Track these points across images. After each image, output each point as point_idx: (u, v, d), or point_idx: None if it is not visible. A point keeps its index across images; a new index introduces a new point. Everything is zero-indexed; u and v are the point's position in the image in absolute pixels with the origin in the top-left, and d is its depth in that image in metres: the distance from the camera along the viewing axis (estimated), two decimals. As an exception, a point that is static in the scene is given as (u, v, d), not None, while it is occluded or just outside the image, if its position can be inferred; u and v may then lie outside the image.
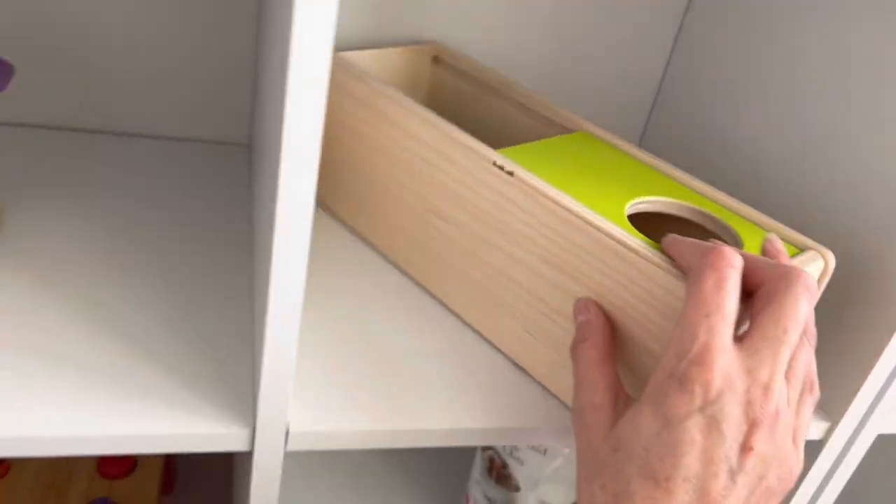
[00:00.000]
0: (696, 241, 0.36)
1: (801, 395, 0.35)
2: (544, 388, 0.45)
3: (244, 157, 0.63)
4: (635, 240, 0.38)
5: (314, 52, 0.28)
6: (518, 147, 0.48)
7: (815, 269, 0.41)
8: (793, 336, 0.33)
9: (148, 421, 0.37)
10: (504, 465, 0.69)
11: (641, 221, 0.54)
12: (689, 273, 0.35)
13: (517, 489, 0.68)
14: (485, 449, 0.71)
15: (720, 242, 0.36)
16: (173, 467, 0.72)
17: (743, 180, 0.59)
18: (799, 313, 0.33)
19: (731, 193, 0.60)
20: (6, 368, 0.38)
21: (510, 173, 0.43)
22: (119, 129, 0.62)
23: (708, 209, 0.45)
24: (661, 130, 0.71)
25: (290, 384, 0.37)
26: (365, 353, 0.45)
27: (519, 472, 0.67)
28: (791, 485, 0.34)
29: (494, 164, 0.43)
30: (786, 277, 0.34)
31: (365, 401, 0.42)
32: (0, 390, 0.37)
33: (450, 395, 0.43)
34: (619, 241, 0.38)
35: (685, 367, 0.32)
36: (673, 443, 0.31)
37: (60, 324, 0.42)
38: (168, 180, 0.57)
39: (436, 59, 0.63)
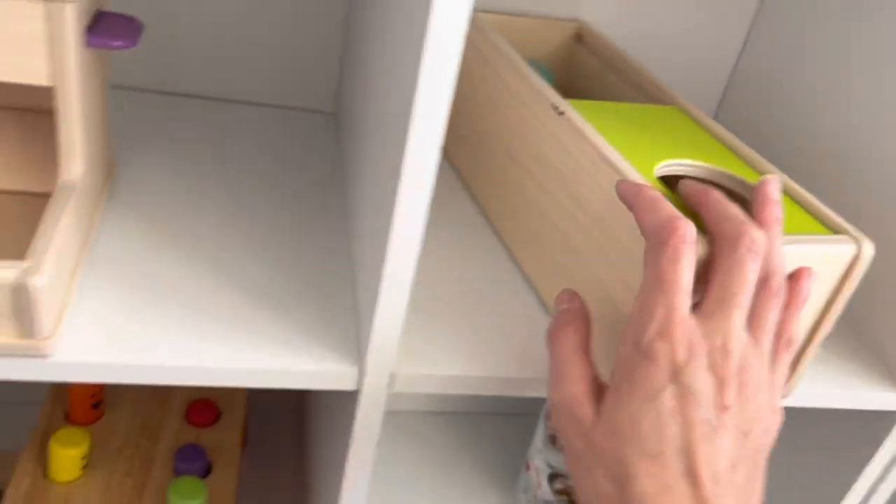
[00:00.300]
0: (663, 207, 0.36)
1: (777, 349, 0.36)
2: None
3: (328, 123, 0.66)
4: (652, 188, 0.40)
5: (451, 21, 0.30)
6: (592, 101, 0.50)
7: (843, 252, 0.40)
8: (742, 298, 0.34)
9: (266, 358, 0.40)
10: (568, 433, 0.71)
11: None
12: (646, 240, 0.36)
13: (580, 456, 0.70)
14: (548, 416, 0.73)
15: (680, 215, 0.35)
16: (245, 425, 0.75)
17: (811, 169, 0.60)
18: (744, 274, 0.34)
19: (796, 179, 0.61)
20: (146, 310, 0.41)
21: (561, 113, 0.45)
22: (212, 94, 0.65)
23: (745, 176, 0.45)
24: (734, 113, 0.72)
25: (400, 328, 0.39)
26: (466, 300, 0.47)
27: (583, 440, 0.69)
28: (773, 436, 0.35)
29: (552, 105, 0.46)
30: (730, 240, 0.35)
31: (465, 347, 0.44)
32: (140, 328, 0.40)
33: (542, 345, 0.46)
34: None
35: (649, 341, 0.33)
36: (656, 416, 0.32)
37: (180, 270, 0.45)
38: (258, 143, 0.60)
39: (578, 37, 0.65)
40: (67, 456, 0.56)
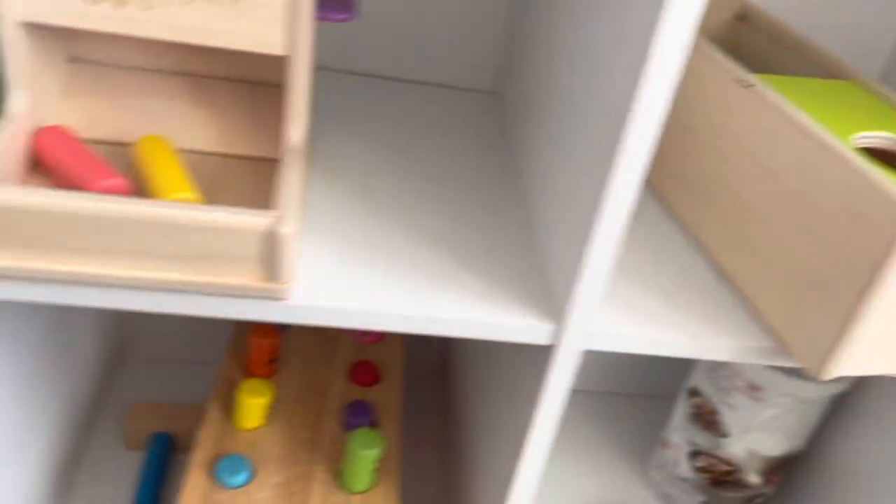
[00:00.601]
0: None
1: None
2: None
3: (488, 101, 0.68)
4: (855, 157, 0.40)
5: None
6: (771, 75, 0.50)
7: None
8: None
9: (469, 310, 0.43)
10: (713, 411, 0.71)
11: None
12: None
13: (725, 435, 0.71)
14: (692, 394, 0.74)
15: None
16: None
17: None
18: None
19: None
20: (360, 263, 0.45)
21: (749, 86, 0.46)
22: (383, 74, 0.68)
23: None
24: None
25: (603, 287, 0.41)
26: (646, 268, 0.49)
27: (730, 418, 0.70)
28: None
29: (738, 79, 0.47)
30: None
31: (656, 311, 0.46)
32: (358, 278, 0.44)
33: (740, 314, 0.47)
34: (838, 155, 0.40)
35: None
36: None
37: (382, 228, 0.48)
38: (426, 118, 0.63)
39: (740, 16, 0.66)
40: (254, 405, 0.60)
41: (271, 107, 0.50)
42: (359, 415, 0.63)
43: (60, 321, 0.64)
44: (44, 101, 0.46)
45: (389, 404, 0.66)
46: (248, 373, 0.66)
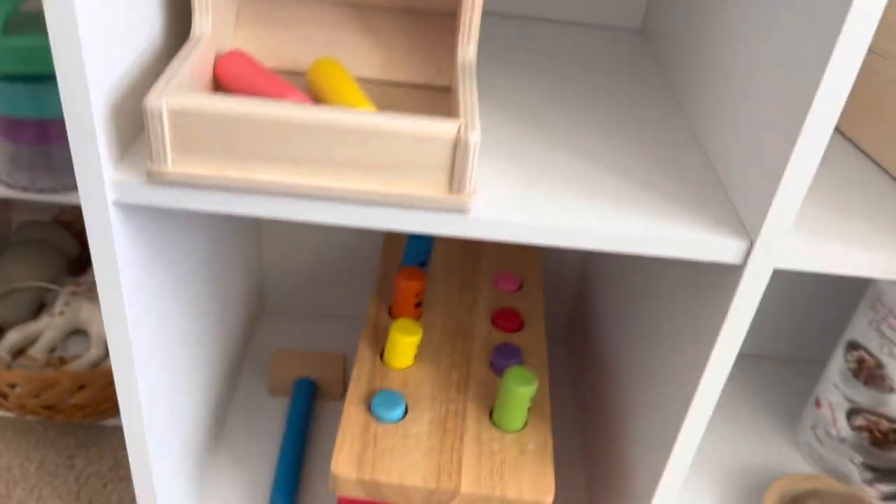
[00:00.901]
0: None
1: None
2: None
3: (636, 39, 0.66)
4: None
5: None
6: None
7: None
8: None
9: (656, 226, 0.41)
10: (879, 365, 0.67)
11: None
12: None
13: (892, 390, 0.66)
14: (851, 348, 0.69)
15: None
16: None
17: None
18: None
19: None
20: (536, 182, 0.44)
21: None
22: (532, 14, 0.67)
23: None
24: None
25: (795, 208, 0.39)
26: (840, 186, 0.46)
27: (898, 372, 0.65)
28: None
29: None
30: None
31: (844, 231, 0.43)
32: (535, 196, 0.43)
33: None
34: None
35: None
36: None
37: (553, 152, 0.47)
38: (579, 56, 0.61)
39: None
40: (406, 343, 0.61)
41: (434, 35, 0.50)
42: (507, 356, 0.63)
43: (216, 268, 0.66)
44: (222, 30, 0.47)
45: (536, 349, 0.65)
46: (394, 316, 0.67)
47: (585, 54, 0.62)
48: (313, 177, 0.39)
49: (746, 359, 0.89)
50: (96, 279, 0.43)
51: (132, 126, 0.42)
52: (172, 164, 0.38)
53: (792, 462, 0.77)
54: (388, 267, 0.74)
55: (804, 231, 0.43)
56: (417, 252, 0.72)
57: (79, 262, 0.81)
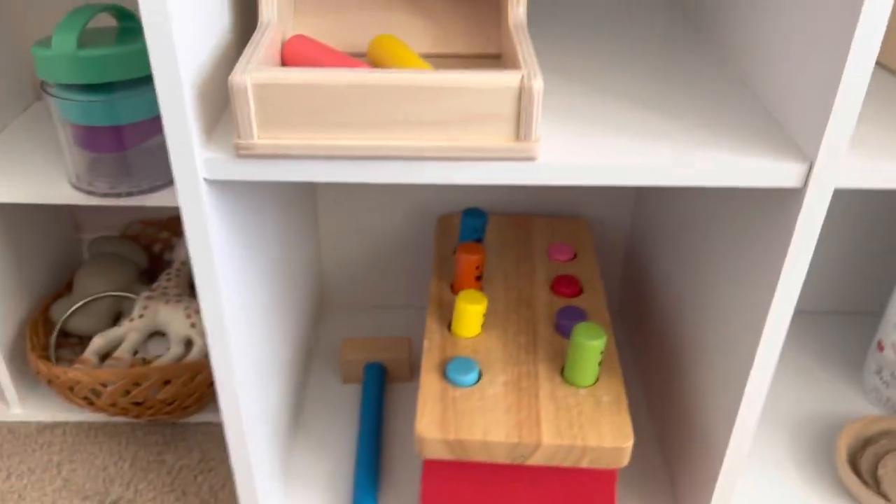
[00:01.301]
0: None
1: None
2: None
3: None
4: None
5: None
6: None
7: None
8: None
9: (713, 157, 0.43)
10: (940, 298, 0.68)
11: None
12: None
13: (956, 322, 0.67)
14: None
15: None
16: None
17: None
18: None
19: None
20: (593, 127, 0.46)
21: None
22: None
23: None
24: None
25: (852, 125, 0.41)
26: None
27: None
28: None
29: None
30: None
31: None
32: (595, 140, 0.45)
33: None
34: None
35: None
36: None
37: (605, 102, 0.49)
38: (622, 10, 0.64)
39: None
40: (472, 312, 0.63)
41: (479, 8, 0.52)
42: (572, 318, 0.65)
43: (286, 256, 0.69)
44: (285, 18, 0.50)
45: (598, 310, 0.67)
46: (456, 291, 0.69)
47: (626, 7, 0.64)
48: (390, 138, 0.42)
49: (805, 315, 0.89)
50: (191, 259, 0.46)
51: (214, 109, 0.45)
52: (259, 137, 0.41)
53: (859, 407, 0.77)
54: (444, 248, 0.76)
55: (860, 151, 0.44)
56: (472, 230, 0.74)
57: (148, 274, 0.84)
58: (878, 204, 0.82)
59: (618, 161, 0.43)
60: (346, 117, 0.41)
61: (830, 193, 0.43)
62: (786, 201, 0.45)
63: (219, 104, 0.46)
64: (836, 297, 0.89)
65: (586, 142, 0.45)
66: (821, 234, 0.85)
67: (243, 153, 0.42)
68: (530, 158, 0.42)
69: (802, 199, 0.43)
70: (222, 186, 0.46)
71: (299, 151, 0.42)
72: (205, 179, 0.43)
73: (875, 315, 0.90)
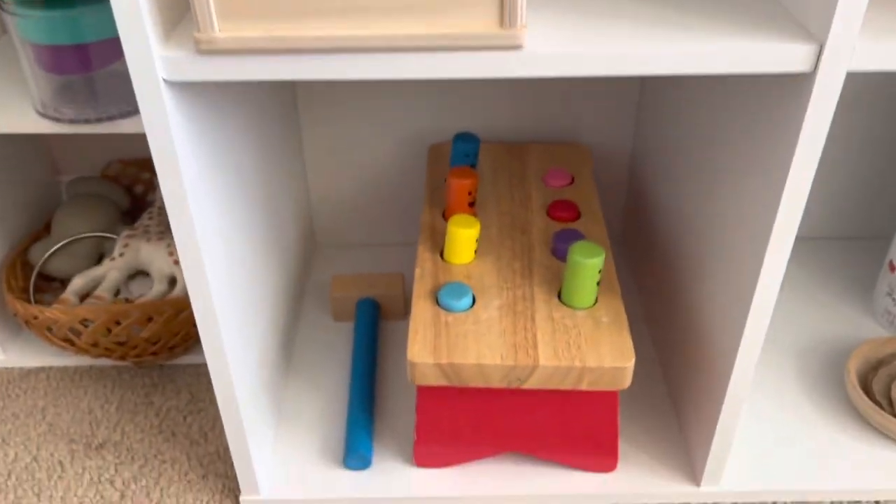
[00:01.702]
0: None
1: None
2: None
3: None
4: None
5: None
6: None
7: None
8: None
9: (716, 41, 0.40)
10: (955, 211, 0.64)
11: None
12: None
13: (972, 235, 0.64)
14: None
15: None
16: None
17: None
18: None
19: None
20: (588, 22, 0.43)
21: None
22: None
23: None
24: None
25: (865, 4, 0.37)
26: None
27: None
28: None
29: None
30: None
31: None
32: (589, 31, 0.42)
33: None
34: None
35: None
36: None
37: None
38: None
39: None
40: (465, 236, 0.60)
41: None
42: (569, 240, 0.62)
43: (265, 179, 0.66)
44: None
45: (596, 232, 0.64)
46: (448, 217, 0.66)
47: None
48: (361, 27, 0.38)
49: (812, 241, 0.86)
50: (157, 175, 0.43)
51: (175, 8, 0.42)
52: (220, 29, 0.38)
53: (869, 330, 0.75)
54: (435, 177, 0.73)
55: (871, 34, 0.41)
56: (464, 155, 0.71)
57: (130, 215, 0.81)
58: (884, 128, 0.79)
59: (614, 51, 0.39)
60: (312, 5, 0.37)
61: (842, 78, 0.40)
62: (795, 88, 0.42)
63: (180, 4, 0.43)
64: (844, 224, 0.86)
65: (579, 29, 0.41)
66: (827, 159, 0.81)
67: (204, 48, 0.38)
68: (516, 46, 0.39)
69: (813, 84, 0.40)
70: (184, 89, 0.43)
71: (263, 44, 0.38)
72: (164, 80, 0.40)
73: (884, 239, 0.87)
